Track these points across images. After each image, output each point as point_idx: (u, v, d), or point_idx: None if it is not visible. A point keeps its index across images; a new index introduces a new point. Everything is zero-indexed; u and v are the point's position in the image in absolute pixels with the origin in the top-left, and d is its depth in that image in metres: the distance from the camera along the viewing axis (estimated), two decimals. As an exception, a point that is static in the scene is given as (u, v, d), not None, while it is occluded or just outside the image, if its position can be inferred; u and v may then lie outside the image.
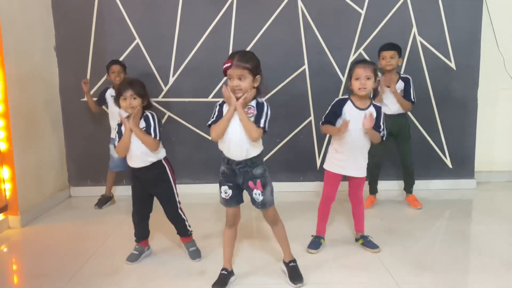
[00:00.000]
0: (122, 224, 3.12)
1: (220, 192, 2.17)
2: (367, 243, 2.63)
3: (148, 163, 2.40)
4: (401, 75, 3.30)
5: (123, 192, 3.75)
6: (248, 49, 3.72)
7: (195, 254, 2.54)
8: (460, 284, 2.24)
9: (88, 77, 3.74)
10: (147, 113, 2.40)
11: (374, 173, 3.43)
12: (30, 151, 3.30)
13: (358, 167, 2.53)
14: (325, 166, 2.61)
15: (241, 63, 1.99)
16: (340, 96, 3.62)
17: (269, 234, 2.57)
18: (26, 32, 3.29)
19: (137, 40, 3.74)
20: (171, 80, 3.79)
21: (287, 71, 3.78)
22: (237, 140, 2.04)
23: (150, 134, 2.36)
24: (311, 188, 3.81)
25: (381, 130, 2.47)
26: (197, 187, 3.83)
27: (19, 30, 3.19)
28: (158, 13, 3.72)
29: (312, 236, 2.67)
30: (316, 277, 2.28)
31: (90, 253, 2.64)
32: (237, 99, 2.01)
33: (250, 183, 2.10)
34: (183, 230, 2.56)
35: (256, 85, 2.05)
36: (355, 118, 2.43)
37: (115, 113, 3.40)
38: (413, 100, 3.25)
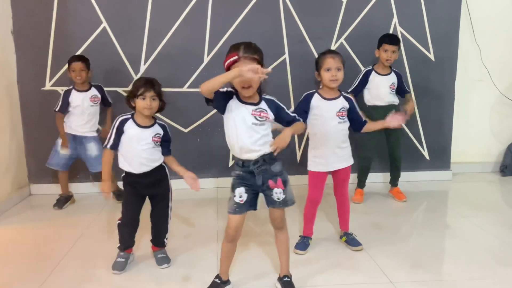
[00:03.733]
0: (90, 224, 2.88)
1: (233, 197, 1.93)
2: (350, 240, 2.54)
3: (153, 167, 2.24)
4: (393, 69, 3.28)
5: (85, 190, 3.52)
6: (226, 36, 3.53)
7: (163, 260, 2.33)
8: (453, 279, 2.20)
9: (49, 63, 3.42)
10: (161, 122, 2.31)
11: (365, 167, 3.37)
12: (-16, 146, 2.97)
13: (339, 159, 2.43)
14: (309, 168, 2.48)
15: (248, 55, 1.79)
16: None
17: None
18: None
19: (104, 24, 3.43)
20: (143, 68, 3.53)
21: (267, 60, 3.46)
22: (246, 139, 1.86)
23: (168, 147, 2.31)
24: (292, 182, 3.68)
25: (363, 119, 2.44)
26: (174, 182, 3.61)
27: (-31, 9, 2.84)
28: (127, -6, 3.44)
29: (299, 236, 2.55)
30: (309, 280, 2.16)
31: (59, 258, 2.39)
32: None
33: (270, 182, 1.92)
34: (161, 240, 2.38)
35: (263, 79, 1.81)
36: (326, 109, 2.35)
37: (76, 110, 3.13)
38: (408, 90, 3.36)
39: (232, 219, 1.93)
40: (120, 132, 2.19)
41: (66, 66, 3.19)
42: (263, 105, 1.91)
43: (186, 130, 3.62)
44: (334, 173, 2.48)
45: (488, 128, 4.12)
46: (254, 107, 1.88)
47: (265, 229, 2.70)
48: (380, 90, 3.24)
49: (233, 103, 1.89)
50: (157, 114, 2.33)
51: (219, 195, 3.46)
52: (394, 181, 3.46)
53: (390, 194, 3.47)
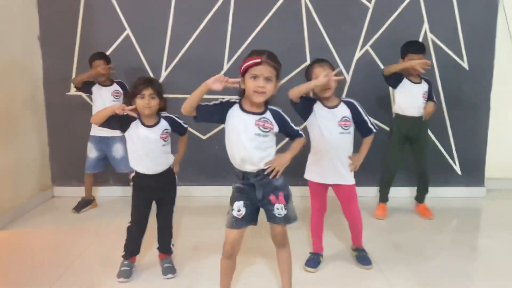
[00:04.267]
0: (103, 231, 2.88)
1: (231, 210, 1.86)
2: (361, 257, 2.39)
3: (164, 169, 2.24)
4: (423, 77, 3.07)
5: (107, 194, 3.54)
6: (247, 43, 3.48)
7: (169, 270, 2.28)
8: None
9: (74, 68, 3.49)
10: (166, 115, 2.26)
11: (387, 180, 3.21)
12: (9, 149, 3.05)
13: (337, 174, 2.28)
14: (305, 176, 2.37)
15: (271, 61, 1.76)
16: (344, 95, 3.41)
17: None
18: (6, 19, 3.03)
19: (128, 31, 3.47)
20: (164, 74, 3.54)
21: (288, 67, 3.51)
22: (247, 149, 1.80)
23: (182, 129, 2.32)
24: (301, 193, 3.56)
25: (369, 125, 2.28)
26: (190, 189, 3.58)
27: (-3, 17, 2.94)
28: (150, 2, 3.45)
29: (310, 253, 2.43)
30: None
31: (68, 264, 2.40)
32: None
33: (272, 197, 1.84)
34: (166, 246, 2.35)
35: (275, 92, 1.81)
36: (326, 118, 2.23)
37: (98, 105, 3.15)
38: (435, 101, 3.14)
39: (230, 234, 1.85)
40: (126, 120, 2.15)
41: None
42: (268, 115, 1.84)
43: (204, 137, 3.59)
44: (335, 187, 2.34)
45: (527, 142, 3.83)
46: (258, 117, 1.81)
47: (269, 244, 2.60)
48: (413, 99, 3.03)
49: (235, 112, 1.83)
50: (174, 118, 2.30)
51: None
52: (420, 198, 3.27)
53: (416, 211, 3.27)
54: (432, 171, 3.34)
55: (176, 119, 2.28)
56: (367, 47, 3.50)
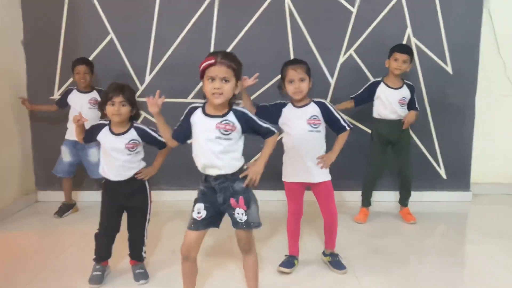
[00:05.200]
0: (82, 236, 2.85)
1: (192, 211, 1.86)
2: (334, 262, 2.38)
3: (130, 176, 2.20)
4: (406, 82, 3.09)
5: (91, 198, 3.46)
6: (231, 47, 3.48)
7: (141, 276, 2.26)
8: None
9: (57, 73, 3.50)
10: (138, 125, 2.23)
11: (369, 184, 3.20)
12: (-11, 153, 3.05)
13: (308, 172, 2.28)
14: (282, 178, 2.37)
15: (226, 61, 1.75)
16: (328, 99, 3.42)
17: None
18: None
19: (111, 35, 3.48)
20: (148, 78, 3.54)
21: (273, 71, 3.47)
22: (217, 158, 1.79)
23: (158, 143, 2.27)
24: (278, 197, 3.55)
25: (341, 123, 2.28)
26: (173, 193, 3.58)
27: (-22, 21, 2.94)
28: (134, 6, 3.46)
29: (285, 255, 2.42)
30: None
31: (40, 268, 2.39)
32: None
33: (232, 201, 1.82)
34: (138, 253, 2.32)
35: (236, 92, 1.80)
36: (296, 117, 2.28)
37: (75, 112, 3.15)
38: (417, 108, 3.14)
39: (187, 235, 1.84)
40: (91, 134, 2.22)
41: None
42: (230, 116, 1.81)
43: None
44: (312, 186, 2.34)
45: (513, 147, 3.82)
46: (219, 119, 1.80)
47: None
48: (389, 104, 3.05)
49: (197, 117, 1.83)
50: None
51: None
52: (403, 201, 3.26)
53: (399, 215, 3.26)
54: (417, 176, 3.33)
55: (149, 131, 2.24)
56: (351, 51, 3.50)
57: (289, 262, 2.36)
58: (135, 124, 2.23)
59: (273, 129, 1.89)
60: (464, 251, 2.80)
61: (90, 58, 3.43)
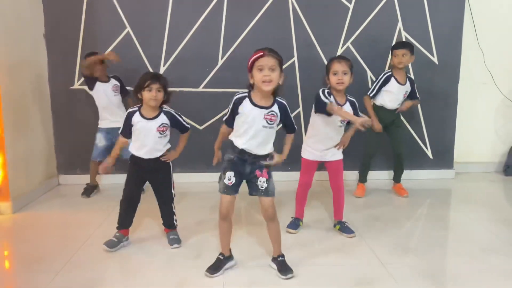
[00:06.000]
0: (112, 212, 3.14)
1: (223, 178, 2.17)
2: (343, 228, 2.74)
3: (157, 156, 2.49)
4: (408, 76, 3.48)
5: (109, 181, 3.78)
6: (239, 40, 3.79)
7: (174, 241, 2.58)
8: (442, 265, 2.40)
9: (77, 64, 3.73)
10: (167, 110, 2.49)
11: (366, 163, 3.59)
12: (20, 139, 3.29)
13: (331, 153, 2.70)
14: (302, 155, 2.76)
15: (273, 54, 2.03)
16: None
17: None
18: (15, 19, 3.26)
19: (128, 28, 3.74)
20: (162, 69, 3.81)
21: (277, 62, 3.84)
22: (264, 141, 2.13)
23: (183, 127, 2.55)
24: (298, 178, 3.90)
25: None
26: (188, 176, 3.88)
27: (9, 17, 3.16)
28: (149, 2, 3.73)
29: (291, 217, 2.81)
30: (303, 260, 2.38)
31: (84, 239, 2.68)
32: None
33: (257, 172, 2.15)
34: (170, 222, 2.63)
35: (281, 82, 2.08)
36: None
37: (102, 101, 3.42)
38: (418, 98, 3.54)
39: (223, 199, 2.18)
40: (129, 123, 2.46)
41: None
42: (275, 108, 2.13)
43: (201, 128, 3.89)
44: (326, 163, 2.74)
45: (492, 129, 4.27)
46: (266, 111, 2.10)
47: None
48: (396, 98, 3.44)
49: (245, 107, 2.10)
50: (171, 109, 2.56)
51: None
52: (397, 178, 3.65)
53: (393, 190, 3.65)
54: (407, 156, 3.73)
55: (176, 115, 2.51)
56: (348, 44, 3.86)
57: (295, 224, 2.77)
58: (164, 109, 2.50)
59: (296, 127, 2.27)
60: (451, 217, 3.22)
61: (108, 50, 3.69)
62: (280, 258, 2.25)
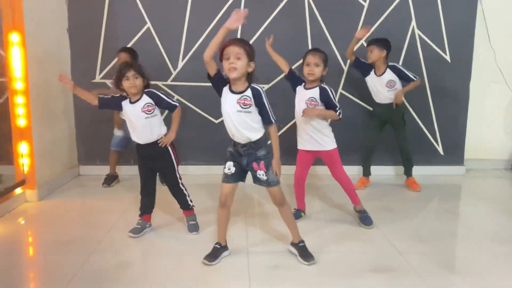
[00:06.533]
0: (135, 200, 3.25)
1: (224, 168, 2.28)
2: (363, 218, 2.83)
3: (153, 140, 2.56)
4: (388, 64, 3.51)
5: (128, 172, 3.88)
6: (256, 36, 3.89)
7: (193, 228, 2.69)
8: (455, 252, 2.52)
9: (99, 58, 3.85)
10: (148, 90, 2.54)
11: (366, 156, 3.70)
12: (46, 129, 3.41)
13: (313, 142, 2.77)
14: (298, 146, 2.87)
15: (238, 42, 2.10)
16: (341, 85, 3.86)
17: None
18: (43, 13, 3.39)
19: (148, 24, 3.85)
20: (180, 64, 3.92)
21: (292, 58, 3.91)
22: (238, 128, 2.17)
23: (170, 106, 2.59)
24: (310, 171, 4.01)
25: (337, 108, 2.70)
26: (203, 168, 3.99)
27: (37, 11, 3.28)
28: (169, -2, 3.85)
29: (294, 209, 2.91)
30: (321, 247, 2.48)
31: (111, 224, 2.81)
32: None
33: (254, 164, 2.22)
34: (184, 204, 2.74)
35: (250, 70, 2.12)
36: (301, 97, 2.74)
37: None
38: (414, 78, 3.49)
39: (223, 187, 2.29)
40: (116, 101, 2.54)
41: (115, 60, 3.62)
42: (248, 92, 2.14)
43: (216, 121, 4.00)
44: (320, 155, 2.82)
45: (501, 127, 4.33)
46: (239, 96, 2.14)
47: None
48: (377, 90, 3.54)
49: (225, 92, 2.19)
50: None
51: (246, 182, 3.79)
52: (407, 172, 3.74)
53: (405, 184, 3.74)
54: (418, 152, 3.82)
55: (160, 94, 2.56)
56: (362, 41, 3.94)
57: (297, 214, 2.88)
58: (145, 90, 2.54)
59: (273, 119, 2.20)
60: (461, 210, 3.32)
61: (129, 45, 3.81)
62: (301, 244, 2.34)
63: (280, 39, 3.87)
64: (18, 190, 3.15)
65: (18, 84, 3.11)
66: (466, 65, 4.03)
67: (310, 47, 3.93)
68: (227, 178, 2.28)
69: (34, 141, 3.19)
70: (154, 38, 3.87)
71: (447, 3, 3.92)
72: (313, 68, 2.68)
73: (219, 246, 2.36)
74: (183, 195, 2.73)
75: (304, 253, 2.31)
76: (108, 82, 3.82)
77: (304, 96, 2.73)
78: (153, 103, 2.54)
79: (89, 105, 3.87)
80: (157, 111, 2.57)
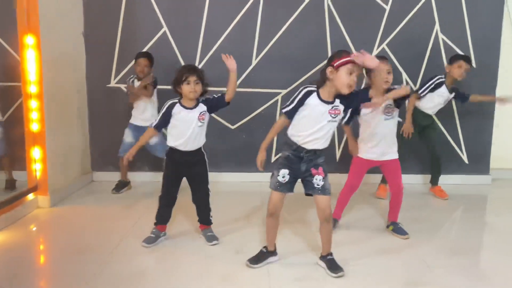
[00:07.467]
0: (149, 208, 3.15)
1: (277, 175, 2.16)
2: (397, 229, 2.71)
3: (197, 147, 2.50)
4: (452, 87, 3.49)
5: (140, 178, 3.81)
6: (273, 40, 3.79)
7: (212, 238, 2.58)
8: (488, 267, 2.36)
9: (114, 63, 3.79)
10: (202, 98, 2.51)
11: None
12: (60, 134, 3.34)
13: (387, 152, 2.65)
14: (359, 155, 2.69)
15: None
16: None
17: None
18: (58, 17, 3.34)
19: (165, 28, 3.79)
20: (196, 69, 3.84)
21: (311, 63, 3.83)
22: (325, 137, 2.14)
23: (219, 99, 2.54)
24: (331, 179, 3.87)
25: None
26: (218, 175, 3.87)
27: (53, 14, 3.23)
28: (186, 2, 3.78)
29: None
30: (350, 260, 2.34)
31: (125, 232, 2.71)
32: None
33: (313, 170, 2.14)
34: (206, 218, 2.63)
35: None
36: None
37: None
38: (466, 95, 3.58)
39: (273, 195, 2.18)
40: (167, 115, 2.46)
41: (130, 65, 3.56)
42: (337, 102, 2.13)
43: (233, 127, 3.90)
44: (382, 164, 2.69)
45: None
46: (331, 106, 2.11)
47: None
48: (440, 102, 3.46)
49: (312, 101, 2.12)
50: None
51: (262, 189, 3.69)
52: (435, 180, 3.61)
53: (431, 193, 3.60)
54: (442, 160, 3.66)
55: (210, 97, 2.53)
56: (384, 45, 3.83)
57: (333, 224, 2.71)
58: (200, 99, 2.50)
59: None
60: (488, 220, 3.18)
61: (145, 49, 3.74)
62: (330, 257, 2.23)
63: (298, 43, 3.81)
64: (30, 196, 3.07)
65: (32, 87, 3.05)
66: (492, 71, 3.88)
67: (329, 51, 3.83)
68: (281, 187, 2.17)
69: (47, 146, 3.12)
70: (171, 42, 3.80)
71: (472, 6, 3.79)
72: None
73: (265, 250, 2.28)
74: (208, 210, 2.64)
75: (333, 265, 2.20)
76: (123, 87, 3.75)
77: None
78: (206, 110, 2.50)
79: (103, 110, 3.90)
80: (207, 118, 2.53)
